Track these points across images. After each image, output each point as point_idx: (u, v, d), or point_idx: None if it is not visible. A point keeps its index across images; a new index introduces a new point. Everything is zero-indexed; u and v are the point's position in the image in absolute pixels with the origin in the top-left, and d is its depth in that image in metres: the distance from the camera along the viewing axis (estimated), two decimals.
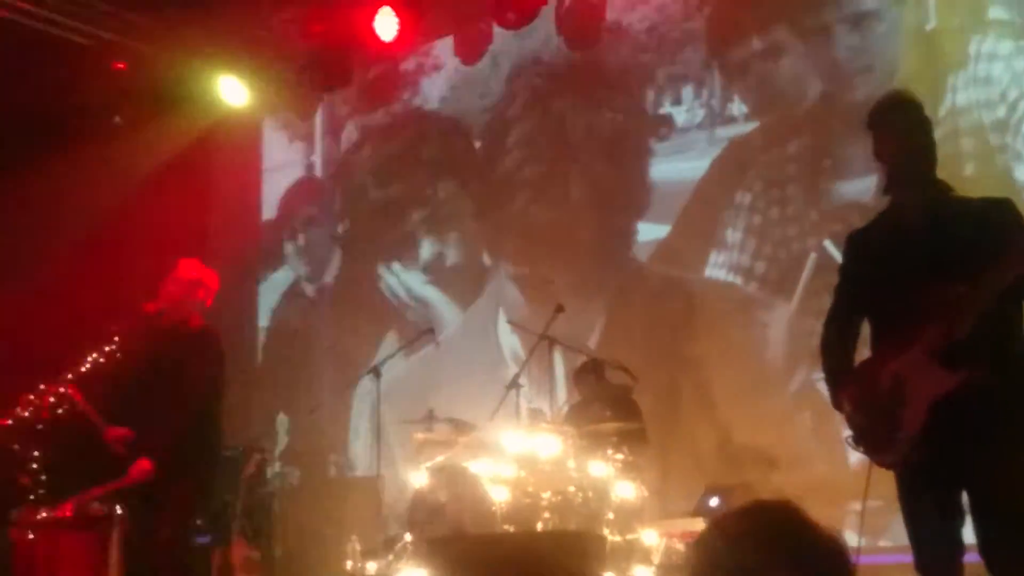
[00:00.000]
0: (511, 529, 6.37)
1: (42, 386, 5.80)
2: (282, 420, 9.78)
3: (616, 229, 8.43)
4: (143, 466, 5.57)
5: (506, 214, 9.07)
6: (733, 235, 8.05)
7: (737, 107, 8.18)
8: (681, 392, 8.02)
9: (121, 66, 9.62)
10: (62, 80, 9.14)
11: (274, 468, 9.37)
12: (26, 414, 5.73)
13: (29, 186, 8.63)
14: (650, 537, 6.53)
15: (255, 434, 8.73)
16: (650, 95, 8.51)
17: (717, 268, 8.08)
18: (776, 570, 2.08)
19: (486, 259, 9.12)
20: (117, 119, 9.88)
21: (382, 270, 9.60)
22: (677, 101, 8.41)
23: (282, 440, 9.75)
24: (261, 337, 10.16)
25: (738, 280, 8.02)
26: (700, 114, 8.32)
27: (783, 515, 2.15)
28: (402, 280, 9.49)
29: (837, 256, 6.97)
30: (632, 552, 6.33)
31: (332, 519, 8.23)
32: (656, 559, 6.42)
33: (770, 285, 7.92)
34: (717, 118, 8.24)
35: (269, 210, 10.53)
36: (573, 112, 8.69)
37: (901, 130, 4.03)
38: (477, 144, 9.35)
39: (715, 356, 7.94)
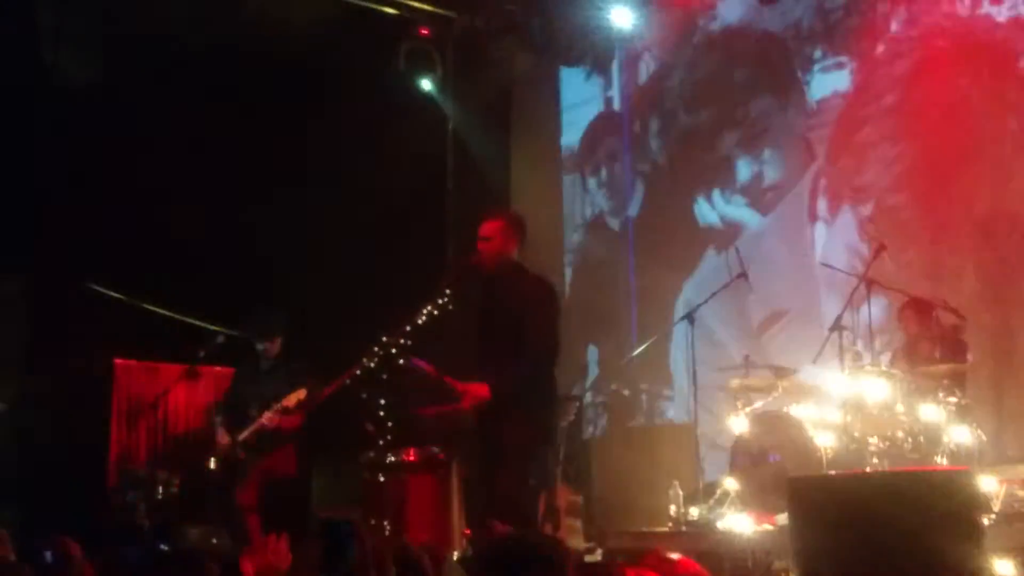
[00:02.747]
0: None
1: (384, 338, 6.14)
2: (592, 352, 9.95)
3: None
4: (480, 392, 5.75)
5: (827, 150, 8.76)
6: None
7: None
8: (1016, 331, 7.51)
9: (426, 32, 10.02)
10: (371, 48, 9.62)
11: (587, 400, 9.54)
12: (372, 364, 6.09)
13: (342, 150, 9.14)
14: (989, 483, 6.20)
15: (568, 375, 8.88)
16: None
17: None
18: None
19: (805, 180, 8.84)
20: (423, 81, 10.28)
21: (694, 196, 9.48)
22: None
23: (592, 371, 9.92)
24: (568, 273, 10.32)
25: None
26: None
27: None
28: (715, 205, 9.37)
29: None
30: None
31: (648, 465, 8.30)
32: (996, 507, 6.10)
33: None
34: None
35: (570, 147, 10.63)
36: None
37: None
38: (799, 72, 9.03)
39: None
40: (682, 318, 7.74)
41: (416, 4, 9.60)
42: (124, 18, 8.27)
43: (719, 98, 9.43)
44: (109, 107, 8.41)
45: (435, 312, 6.09)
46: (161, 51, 8.46)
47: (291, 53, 8.77)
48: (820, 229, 8.67)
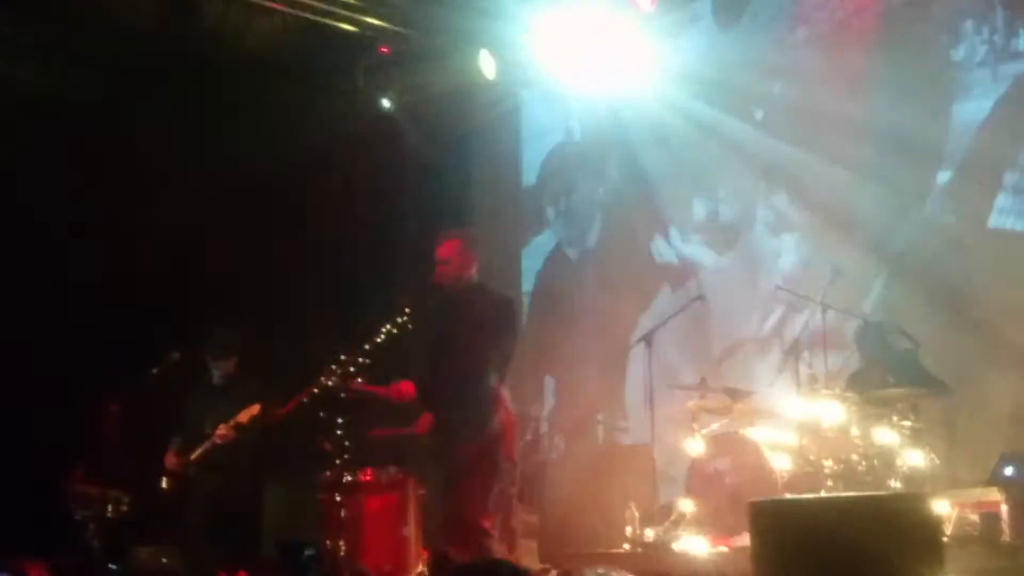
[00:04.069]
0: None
1: (343, 356, 6.12)
2: (548, 381, 9.94)
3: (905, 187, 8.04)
4: (406, 389, 5.83)
5: (784, 180, 8.83)
6: (1021, 179, 7.55)
7: (1023, 41, 7.63)
8: (968, 354, 7.60)
9: (385, 50, 9.99)
10: (332, 66, 9.60)
11: (544, 427, 9.54)
12: (329, 383, 6.06)
13: (300, 168, 9.11)
14: (942, 507, 6.26)
15: (524, 396, 8.88)
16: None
17: (1004, 215, 7.60)
18: None
19: (760, 215, 8.92)
20: (383, 100, 10.25)
21: (651, 233, 9.52)
22: (955, 37, 7.91)
23: (549, 402, 9.91)
24: (526, 301, 10.30)
25: None
26: (982, 51, 7.81)
27: None
28: (672, 242, 9.41)
29: None
30: None
31: (604, 486, 8.32)
32: (948, 530, 6.17)
33: None
34: (1000, 55, 7.72)
35: (529, 176, 10.63)
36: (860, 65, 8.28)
37: None
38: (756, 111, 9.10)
39: (1005, 314, 7.48)
40: (639, 339, 7.79)
41: (375, 22, 9.56)
42: (81, 27, 8.19)
43: (676, 133, 9.48)
44: (50, 118, 8.30)
45: (394, 331, 6.07)
46: (118, 67, 8.37)
47: (248, 71, 8.73)
48: (781, 253, 8.74)
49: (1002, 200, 7.60)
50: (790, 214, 8.67)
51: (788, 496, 6.43)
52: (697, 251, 9.23)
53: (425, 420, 6.32)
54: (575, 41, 9.31)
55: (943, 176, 7.96)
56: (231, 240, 8.63)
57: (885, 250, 8.03)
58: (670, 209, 9.42)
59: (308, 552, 3.11)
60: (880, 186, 8.05)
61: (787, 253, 8.54)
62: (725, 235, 9.08)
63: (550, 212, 10.44)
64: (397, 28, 9.69)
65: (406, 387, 6.05)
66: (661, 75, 9.36)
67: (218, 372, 7.87)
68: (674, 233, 9.37)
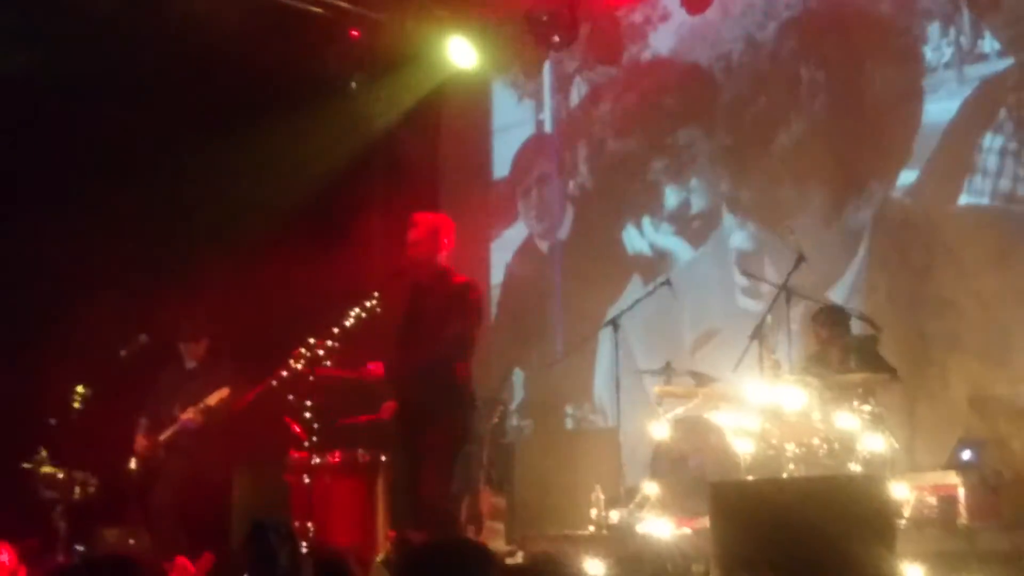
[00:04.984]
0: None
1: (311, 339, 6.15)
2: (518, 374, 9.99)
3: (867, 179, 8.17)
4: (375, 371, 5.89)
5: (752, 166, 8.92)
6: (984, 180, 7.69)
7: (988, 43, 7.77)
8: (928, 340, 7.74)
9: (356, 33, 9.96)
10: (300, 49, 9.55)
11: (512, 421, 9.61)
12: (298, 366, 6.10)
13: (270, 153, 9.09)
14: (900, 490, 6.38)
15: (492, 384, 8.94)
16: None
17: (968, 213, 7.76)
18: None
19: (726, 208, 9.02)
20: (353, 84, 10.23)
21: (623, 223, 9.59)
22: (923, 39, 8.05)
23: (518, 394, 9.97)
24: (495, 293, 10.34)
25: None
26: (948, 53, 7.94)
27: None
28: (645, 231, 9.49)
29: None
30: None
31: (570, 469, 8.39)
32: (907, 513, 6.28)
33: None
34: (966, 56, 7.85)
35: (500, 168, 10.65)
36: (829, 68, 8.46)
37: None
38: (724, 94, 9.17)
39: (965, 301, 7.63)
40: (607, 323, 7.85)
41: (345, 5, 9.54)
42: (45, 14, 8.13)
43: (647, 125, 9.54)
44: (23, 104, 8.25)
45: (363, 315, 6.10)
46: (80, 47, 8.31)
47: (217, 53, 8.68)
48: (747, 241, 8.85)
49: (964, 201, 7.75)
50: (753, 205, 8.78)
51: (745, 478, 6.54)
52: (669, 241, 9.32)
53: (389, 406, 6.37)
54: (547, 32, 9.39)
55: (909, 176, 8.10)
56: (199, 224, 8.62)
57: (855, 240, 8.15)
58: (641, 197, 9.50)
59: (282, 532, 3.13)
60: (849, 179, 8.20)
61: (748, 240, 8.66)
62: (697, 225, 9.19)
63: (521, 205, 10.46)
64: (367, 11, 9.71)
65: (375, 367, 6.09)
66: (632, 67, 9.43)
67: (188, 356, 7.90)
68: (646, 223, 9.45)
